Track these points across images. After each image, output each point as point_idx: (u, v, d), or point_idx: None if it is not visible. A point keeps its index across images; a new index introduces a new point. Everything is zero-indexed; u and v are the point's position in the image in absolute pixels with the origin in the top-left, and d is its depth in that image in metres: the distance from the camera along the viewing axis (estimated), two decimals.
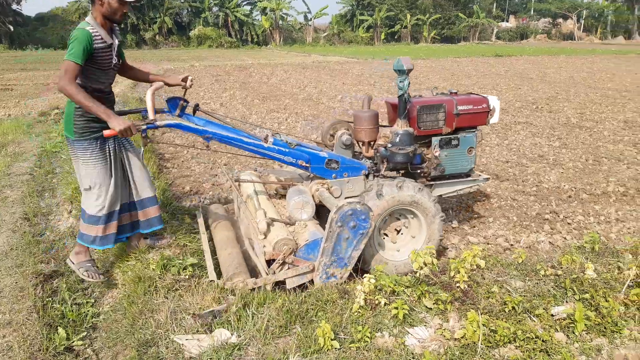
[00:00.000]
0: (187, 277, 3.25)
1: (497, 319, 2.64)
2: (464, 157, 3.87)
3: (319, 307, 2.80)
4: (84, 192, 3.29)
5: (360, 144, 3.83)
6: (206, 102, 11.96)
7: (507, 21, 62.33)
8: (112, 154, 3.26)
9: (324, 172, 3.49)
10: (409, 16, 50.80)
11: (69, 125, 3.10)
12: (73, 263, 3.40)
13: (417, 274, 2.92)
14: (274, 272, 3.05)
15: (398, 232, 3.60)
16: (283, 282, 3.13)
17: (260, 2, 48.05)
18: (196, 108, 3.49)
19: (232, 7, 47.53)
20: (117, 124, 2.89)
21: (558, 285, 2.95)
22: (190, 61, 25.26)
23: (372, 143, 3.79)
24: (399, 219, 3.57)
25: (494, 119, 3.96)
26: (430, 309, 2.72)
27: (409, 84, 3.51)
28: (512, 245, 4.17)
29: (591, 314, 2.58)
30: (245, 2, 50.81)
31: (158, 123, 3.07)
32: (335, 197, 3.49)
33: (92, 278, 3.34)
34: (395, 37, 52.51)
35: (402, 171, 3.82)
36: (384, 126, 3.91)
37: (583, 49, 35.34)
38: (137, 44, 43.38)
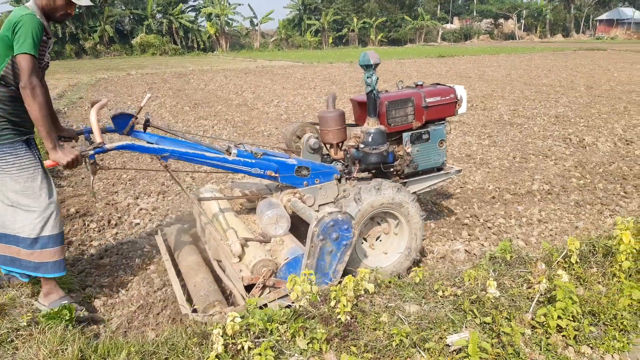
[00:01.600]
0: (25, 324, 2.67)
1: (382, 357, 2.22)
2: (435, 151, 3.74)
3: (174, 357, 2.29)
4: (19, 211, 2.74)
5: (328, 146, 3.60)
6: (131, 110, 11.19)
7: (452, 23, 63.65)
8: (39, 159, 2.79)
9: (294, 180, 3.25)
10: (355, 19, 50.97)
11: None
12: (44, 305, 2.88)
13: (295, 307, 2.47)
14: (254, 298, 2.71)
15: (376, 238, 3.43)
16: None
17: (205, 8, 47.06)
18: (147, 124, 3.12)
19: (175, 13, 46.27)
20: (62, 156, 2.50)
21: (457, 308, 2.57)
22: (128, 69, 24.15)
23: (340, 144, 3.57)
24: (379, 223, 3.41)
25: (462, 109, 3.84)
26: (305, 349, 2.26)
27: (378, 79, 3.27)
28: (425, 257, 3.79)
29: (487, 345, 2.19)
30: (190, 9, 49.71)
31: (107, 146, 2.65)
32: (309, 206, 3.25)
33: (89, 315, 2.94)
34: (344, 41, 52.58)
35: (373, 171, 3.66)
36: (352, 125, 3.72)
37: (523, 48, 36.32)
38: (77, 54, 41.43)
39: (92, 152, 2.61)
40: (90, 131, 2.85)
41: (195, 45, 46.51)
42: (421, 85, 3.80)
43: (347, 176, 3.49)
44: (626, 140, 7.23)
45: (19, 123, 2.68)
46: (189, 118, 10.22)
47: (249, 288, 2.78)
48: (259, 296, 2.75)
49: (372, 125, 3.41)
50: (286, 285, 2.64)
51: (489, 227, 4.38)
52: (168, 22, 46.09)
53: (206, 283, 3.06)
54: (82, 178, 6.08)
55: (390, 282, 2.82)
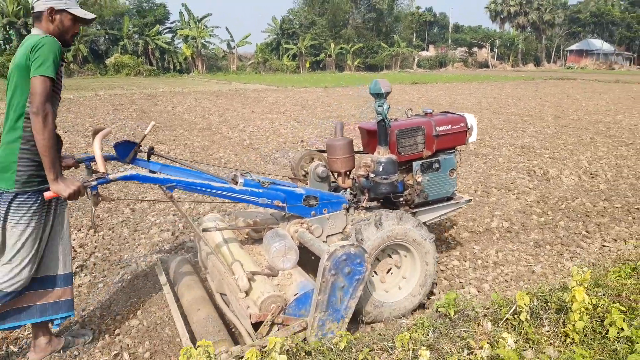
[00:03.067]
0: None
1: None
2: (446, 180, 3.68)
3: None
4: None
5: (336, 174, 3.54)
6: (86, 134, 10.70)
7: (427, 50, 64.92)
8: (52, 211, 2.65)
9: (302, 210, 3.13)
10: (332, 45, 51.53)
11: (6, 173, 2.44)
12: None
13: None
14: (262, 336, 2.61)
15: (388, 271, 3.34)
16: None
17: (182, 30, 46.92)
18: (151, 152, 3.04)
19: (152, 34, 46.06)
20: (64, 188, 2.36)
21: None
22: (98, 90, 23.59)
23: (348, 173, 3.52)
24: (390, 256, 3.30)
25: (472, 138, 3.78)
26: None
27: (389, 107, 3.23)
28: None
29: None
30: (167, 30, 49.56)
31: (111, 177, 2.52)
32: (317, 237, 3.13)
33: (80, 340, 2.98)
34: (321, 65, 52.96)
35: (381, 201, 3.57)
36: (360, 152, 3.68)
37: (496, 76, 36.99)
38: None
39: (94, 183, 2.47)
40: (91, 159, 2.80)
41: (172, 67, 46.26)
42: (430, 113, 3.73)
43: (355, 205, 3.37)
44: (591, 174, 7.07)
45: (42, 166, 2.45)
46: (145, 142, 9.76)
47: (256, 325, 2.66)
48: (267, 334, 2.63)
49: (382, 154, 3.35)
50: (295, 322, 2.66)
51: (441, 270, 4.04)
52: (144, 43, 45.81)
53: (210, 320, 2.90)
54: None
55: (310, 350, 2.43)
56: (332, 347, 2.45)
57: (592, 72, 48.34)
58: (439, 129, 3.55)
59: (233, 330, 3.00)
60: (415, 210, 3.57)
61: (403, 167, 3.58)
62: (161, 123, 12.45)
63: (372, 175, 3.32)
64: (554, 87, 24.86)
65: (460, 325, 2.75)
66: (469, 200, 3.96)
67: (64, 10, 2.51)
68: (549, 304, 2.91)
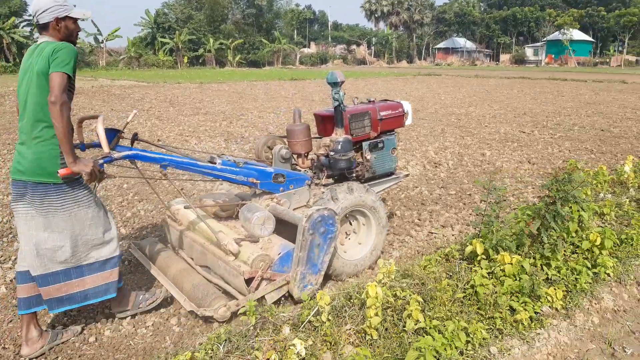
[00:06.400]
0: None
1: None
2: (389, 158, 4.26)
3: None
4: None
5: (296, 156, 3.92)
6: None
7: (309, 47, 65.97)
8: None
9: (272, 186, 3.58)
10: (212, 40, 50.13)
11: (48, 165, 2.62)
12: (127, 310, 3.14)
13: None
14: (254, 290, 3.02)
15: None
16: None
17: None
18: (134, 138, 3.27)
19: (7, 27, 41.21)
20: (84, 166, 2.56)
21: None
22: None
23: (307, 154, 3.92)
24: (350, 224, 3.83)
25: (409, 121, 4.40)
26: None
27: (344, 94, 3.73)
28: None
29: None
30: (25, 23, 44.64)
31: (115, 155, 2.82)
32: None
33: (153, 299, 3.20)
34: (200, 61, 51.32)
35: (336, 177, 4.06)
36: (317, 137, 4.12)
37: (370, 72, 38.58)
38: None
39: (101, 161, 2.71)
40: (85, 146, 3.04)
41: None
42: (373, 101, 4.28)
43: (316, 182, 3.87)
44: (435, 163, 7.44)
45: None
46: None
47: (247, 281, 3.01)
48: (256, 289, 3.03)
49: (340, 134, 3.82)
50: (280, 277, 3.10)
51: None
52: None
53: (202, 284, 3.17)
54: None
55: None
56: None
57: (457, 68, 52.51)
58: (382, 113, 4.10)
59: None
60: (364, 184, 3.92)
61: (354, 147, 3.98)
62: (1, 125, 11.00)
63: (332, 153, 3.78)
64: (420, 83, 26.47)
65: (259, 334, 2.57)
66: (407, 175, 4.66)
67: (66, 17, 2.70)
68: (352, 300, 2.85)
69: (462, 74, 36.79)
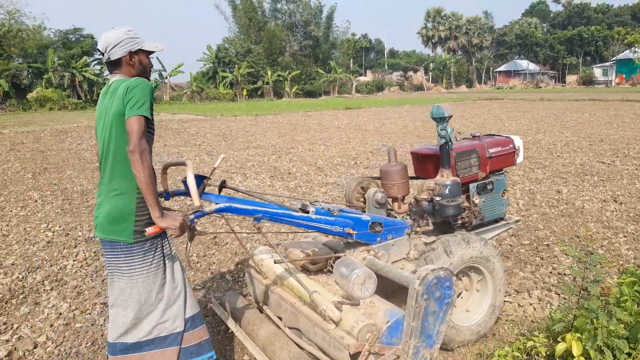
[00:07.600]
0: None
1: None
2: (499, 201, 3.77)
3: None
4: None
5: (391, 200, 3.56)
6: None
7: (365, 75, 65.95)
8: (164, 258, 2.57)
9: (369, 237, 3.12)
10: (269, 72, 51.13)
11: (124, 223, 2.36)
12: None
13: None
14: None
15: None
16: None
17: None
18: (222, 185, 3.06)
19: (79, 67, 44.10)
20: (172, 221, 2.27)
21: None
22: (9, 127, 21.71)
23: (403, 198, 3.56)
24: (461, 280, 3.30)
25: (520, 159, 3.92)
26: None
27: (452, 131, 3.28)
28: None
29: None
30: (95, 62, 47.60)
31: (207, 209, 2.51)
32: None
33: None
34: (259, 93, 52.39)
35: (432, 226, 3.60)
36: (415, 178, 3.72)
37: (427, 99, 37.60)
38: None
39: (192, 216, 2.42)
40: (178, 194, 2.90)
41: None
42: (478, 136, 3.81)
43: (415, 231, 3.43)
44: None
45: None
46: (18, 190, 8.52)
47: (353, 356, 2.56)
48: None
49: (446, 176, 3.36)
50: (389, 351, 2.60)
51: None
52: (70, 76, 43.70)
53: (298, 356, 2.77)
54: None
55: None
56: None
57: (520, 91, 50.42)
58: (491, 150, 3.65)
59: None
60: (471, 232, 3.53)
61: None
62: (53, 163, 11.23)
63: (437, 198, 3.31)
64: (481, 108, 25.28)
65: None
66: (518, 220, 4.07)
67: (139, 50, 2.50)
68: None
69: (526, 97, 35.04)
